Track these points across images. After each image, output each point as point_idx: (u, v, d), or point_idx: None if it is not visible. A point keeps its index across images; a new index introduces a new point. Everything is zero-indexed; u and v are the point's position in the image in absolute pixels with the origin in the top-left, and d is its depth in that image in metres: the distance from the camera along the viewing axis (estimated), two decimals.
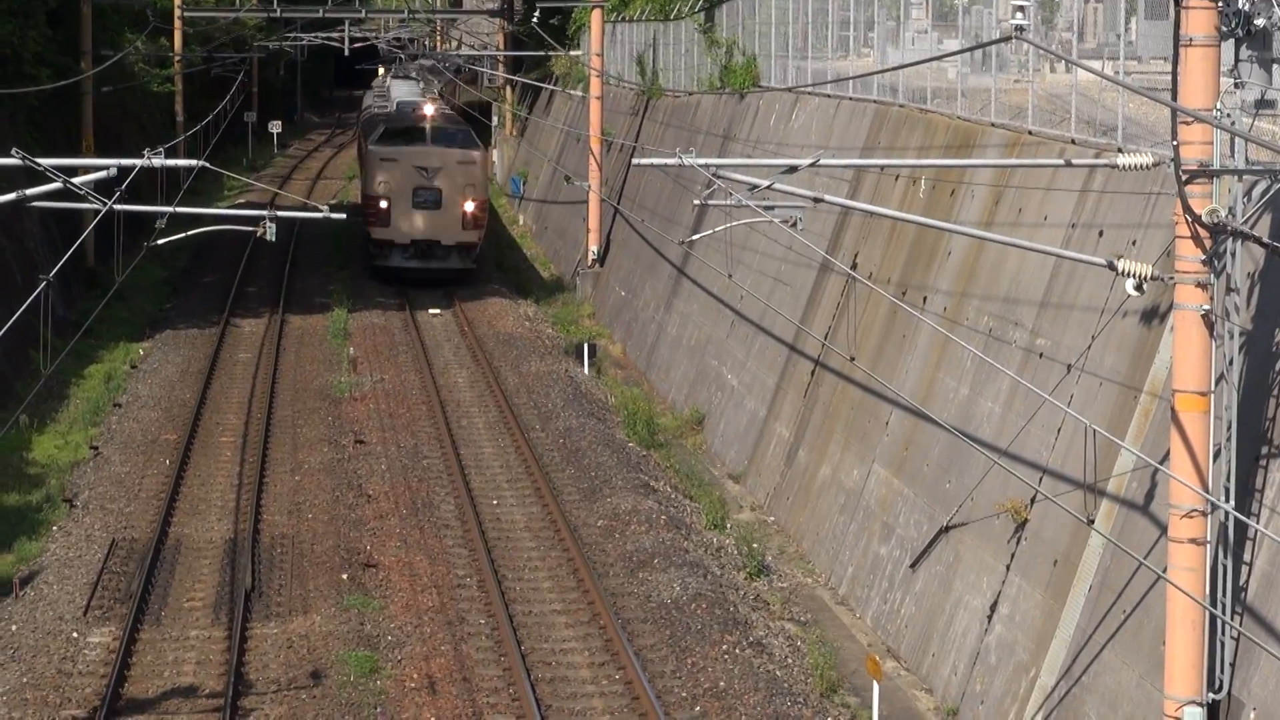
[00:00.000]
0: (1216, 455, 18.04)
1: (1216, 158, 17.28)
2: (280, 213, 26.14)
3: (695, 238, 37.97)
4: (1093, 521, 21.28)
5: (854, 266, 31.92)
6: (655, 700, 23.25)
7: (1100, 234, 23.35)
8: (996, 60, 28.72)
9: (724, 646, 25.26)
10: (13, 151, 21.56)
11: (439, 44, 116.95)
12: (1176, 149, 17.11)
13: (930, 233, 28.83)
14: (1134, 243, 22.27)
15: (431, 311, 52.48)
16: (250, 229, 26.38)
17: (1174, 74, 17.17)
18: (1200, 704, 17.71)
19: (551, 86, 74.02)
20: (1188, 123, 17.09)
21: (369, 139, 59.74)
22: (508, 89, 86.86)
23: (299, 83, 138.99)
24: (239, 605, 26.87)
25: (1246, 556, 18.42)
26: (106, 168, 22.88)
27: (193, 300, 54.69)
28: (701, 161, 23.92)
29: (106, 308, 44.32)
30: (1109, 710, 20.21)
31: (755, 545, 30.44)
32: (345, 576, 28.52)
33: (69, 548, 29.94)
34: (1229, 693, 18.05)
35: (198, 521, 31.70)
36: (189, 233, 30.41)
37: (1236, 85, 17.93)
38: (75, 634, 25.92)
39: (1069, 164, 22.79)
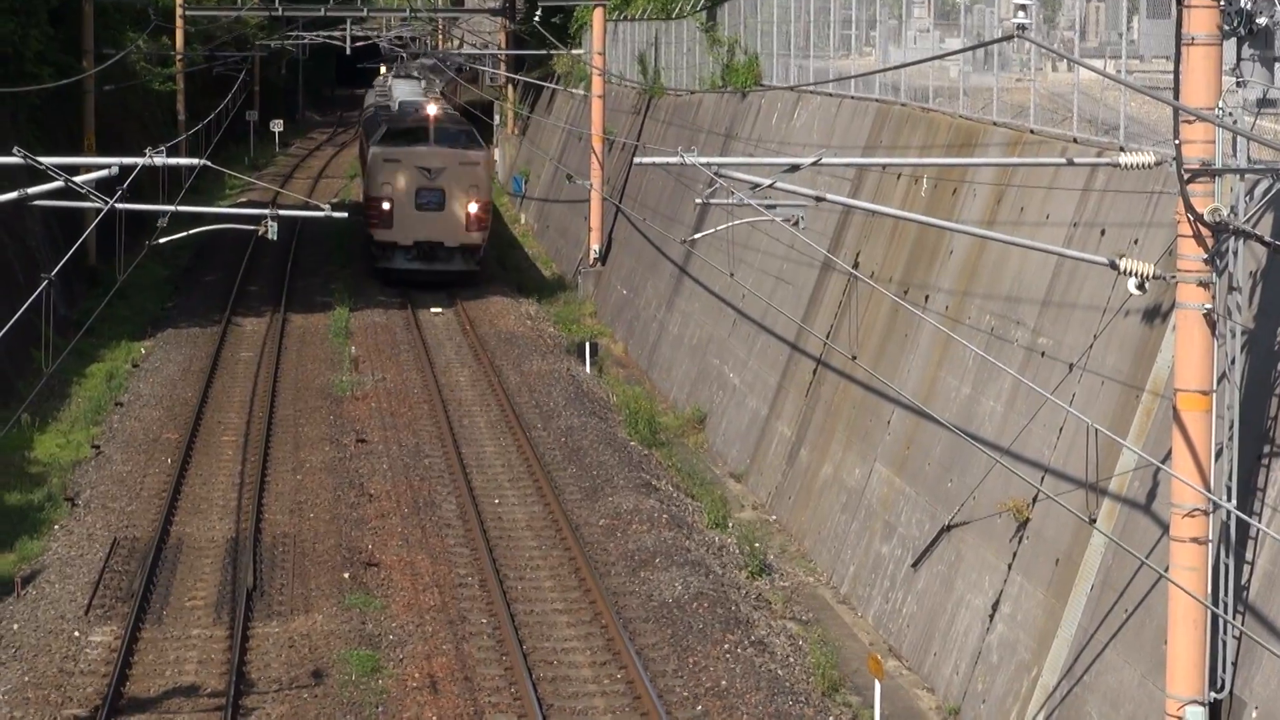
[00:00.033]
0: (1218, 454, 18.03)
1: (1219, 156, 17.28)
2: (282, 212, 26.14)
3: (697, 237, 37.96)
4: (1094, 521, 21.27)
5: (856, 266, 31.91)
6: (657, 699, 23.25)
7: (1102, 233, 23.34)
8: (998, 59, 28.71)
9: (726, 646, 25.25)
10: (14, 150, 21.56)
11: (440, 43, 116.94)
12: (1178, 148, 17.10)
13: (932, 232, 28.82)
14: (1136, 242, 22.27)
15: (433, 310, 52.48)
16: (252, 228, 26.39)
17: (1176, 73, 17.16)
18: (1202, 703, 17.70)
19: (553, 85, 74.01)
20: (1190, 121, 17.08)
21: (371, 139, 59.27)
22: (509, 88, 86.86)
23: (300, 81, 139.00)
24: (240, 604, 26.87)
25: (1248, 556, 18.41)
26: (108, 166, 22.88)
27: (194, 299, 54.69)
28: (703, 160, 23.91)
29: (108, 306, 44.32)
30: (1111, 709, 20.20)
31: (757, 544, 30.43)
32: (347, 575, 28.52)
33: (71, 547, 29.95)
34: (1231, 692, 18.05)
35: (199, 520, 31.70)
36: (191, 231, 30.41)
37: (1238, 84, 17.92)
38: (77, 633, 25.92)
39: (1071, 163, 22.78)
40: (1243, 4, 17.24)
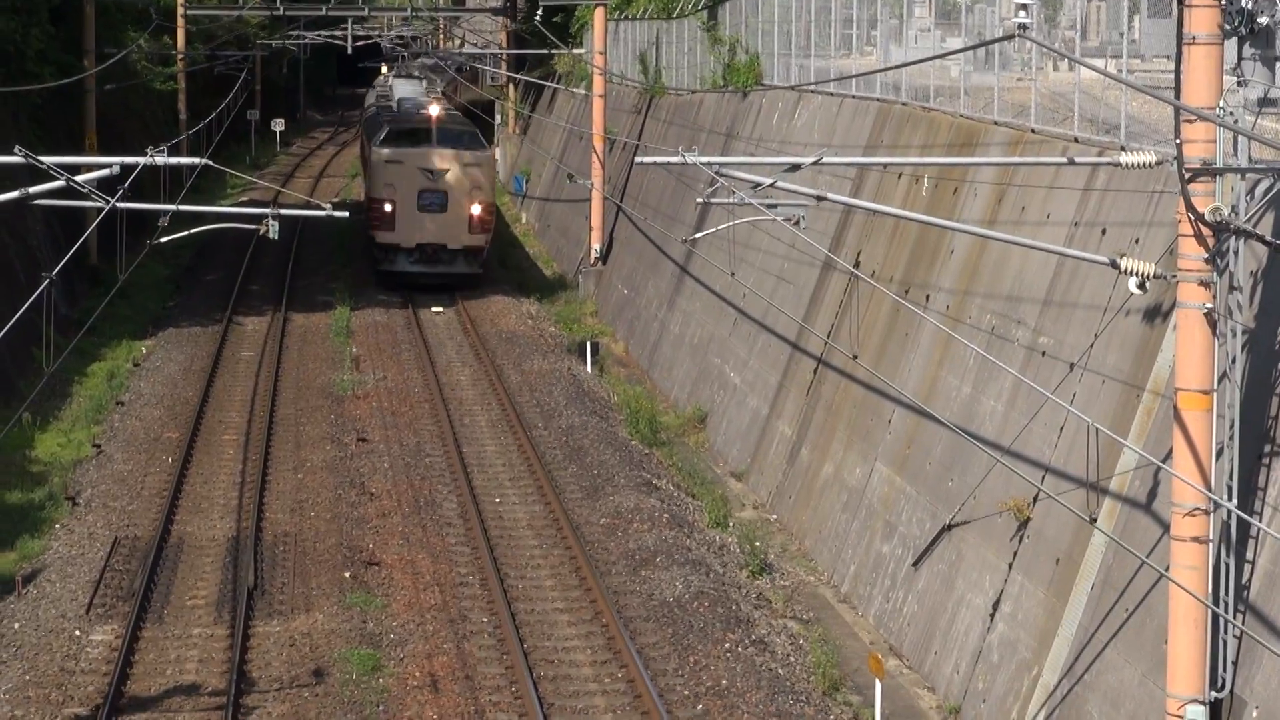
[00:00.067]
0: (1219, 453, 18.04)
1: (1219, 156, 17.28)
2: (283, 211, 26.15)
3: (698, 236, 37.96)
4: (1095, 520, 21.28)
5: (857, 265, 31.92)
6: (657, 698, 23.25)
7: (1103, 232, 23.34)
8: (999, 58, 28.70)
9: (726, 645, 25.26)
10: (16, 149, 21.57)
11: (442, 42, 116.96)
12: (1179, 147, 17.11)
13: (933, 231, 28.82)
14: (1137, 241, 22.27)
15: (434, 309, 52.48)
16: (253, 227, 26.39)
17: (1177, 72, 17.16)
18: (1202, 702, 17.71)
19: (554, 85, 74.00)
20: (1191, 121, 17.09)
21: (373, 140, 58.69)
22: (510, 87, 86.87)
23: (302, 81, 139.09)
24: (241, 603, 26.88)
25: (1249, 555, 18.41)
26: (109, 166, 22.88)
27: (195, 298, 54.70)
28: (704, 160, 23.90)
29: (109, 306, 44.33)
30: (1111, 708, 20.20)
31: (757, 543, 30.44)
32: (348, 574, 28.52)
33: (71, 546, 29.95)
34: (1231, 691, 18.05)
35: (200, 519, 31.70)
36: (192, 231, 30.40)
37: (1239, 83, 17.93)
38: (78, 632, 25.93)
39: (1072, 162, 22.78)
40: (1244, 3, 17.25)
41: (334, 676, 24.33)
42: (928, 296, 28.60)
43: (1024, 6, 17.29)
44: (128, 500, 32.64)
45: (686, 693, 23.82)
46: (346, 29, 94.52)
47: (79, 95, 57.69)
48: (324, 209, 26.71)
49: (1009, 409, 24.82)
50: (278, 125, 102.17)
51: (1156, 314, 21.44)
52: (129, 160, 23.27)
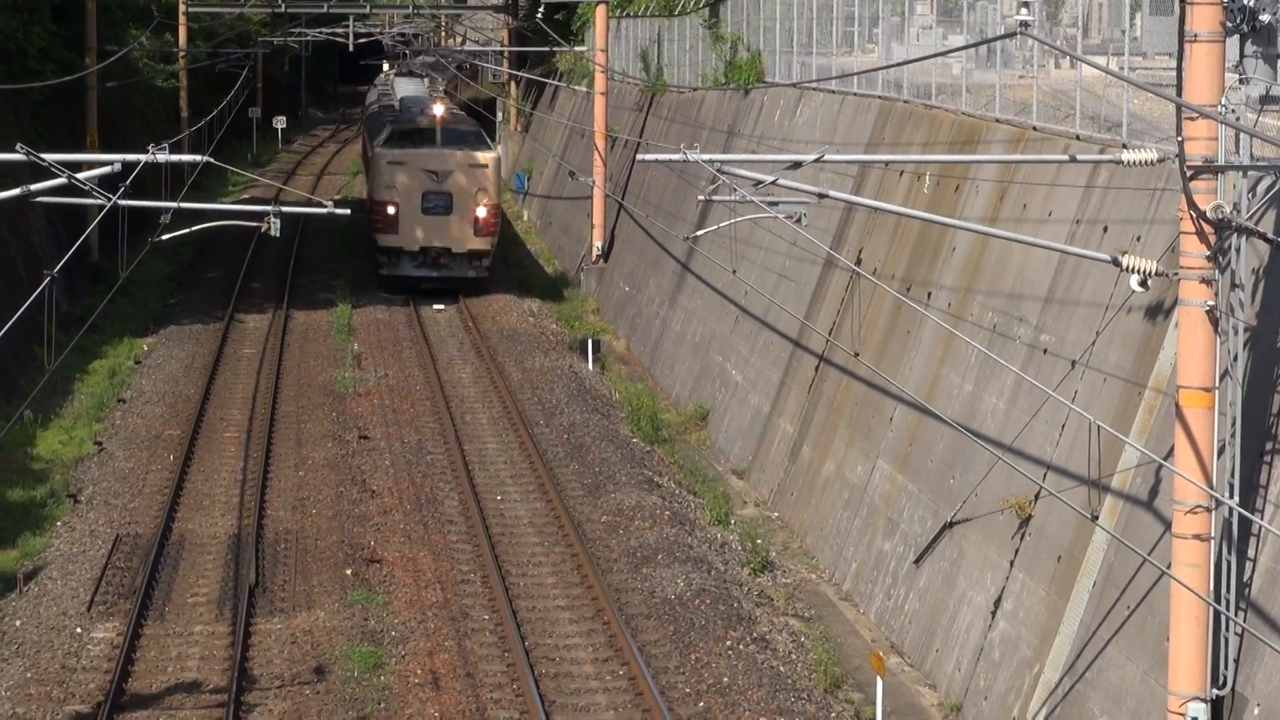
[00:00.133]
0: (1221, 451, 18.03)
1: (1221, 153, 17.28)
2: (285, 208, 26.14)
3: (700, 233, 37.95)
4: (1097, 517, 21.27)
5: (858, 262, 31.91)
6: (659, 696, 23.25)
7: (1105, 230, 23.34)
8: (1001, 56, 28.69)
9: (728, 642, 25.26)
10: (17, 147, 21.57)
11: (443, 39, 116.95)
12: (1181, 145, 17.10)
13: (934, 229, 28.82)
14: (1138, 239, 22.26)
15: (435, 307, 52.47)
16: (255, 224, 26.40)
17: (1179, 70, 17.16)
18: (1204, 700, 17.70)
19: (555, 82, 73.98)
20: (1192, 118, 17.08)
21: (375, 140, 57.61)
22: (512, 84, 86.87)
23: (303, 78, 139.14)
24: (243, 601, 26.88)
25: (1251, 552, 18.41)
26: (111, 163, 22.88)
27: (197, 296, 54.70)
28: (706, 157, 23.90)
29: (111, 303, 44.34)
30: (1113, 706, 20.20)
31: (759, 541, 30.44)
32: (349, 572, 28.53)
33: (73, 543, 29.96)
34: (1233, 689, 18.05)
35: (201, 517, 31.71)
36: (193, 228, 30.43)
37: (1241, 81, 17.93)
38: (79, 629, 25.93)
39: (1074, 159, 22.79)
40: (1245, 1, 17.24)
41: (335, 674, 24.33)
42: (929, 294, 28.60)
43: (1026, 4, 17.29)
44: (129, 498, 32.65)
45: (688, 690, 23.82)
46: (348, 26, 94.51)
47: (80, 93, 57.71)
48: (326, 206, 26.71)
49: (1010, 406, 24.81)
50: (279, 123, 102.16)
51: (1158, 311, 21.44)
52: (130, 158, 23.27)
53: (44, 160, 21.91)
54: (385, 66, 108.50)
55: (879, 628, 26.93)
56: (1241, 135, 17.57)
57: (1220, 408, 17.82)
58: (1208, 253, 17.38)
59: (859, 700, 24.03)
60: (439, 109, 57.16)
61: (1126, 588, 20.59)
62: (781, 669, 24.51)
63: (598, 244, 55.19)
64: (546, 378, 42.29)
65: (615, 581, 28.01)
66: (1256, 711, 17.69)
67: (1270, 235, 18.23)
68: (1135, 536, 20.46)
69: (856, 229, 33.11)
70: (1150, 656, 19.63)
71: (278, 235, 26.04)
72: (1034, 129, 26.52)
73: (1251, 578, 18.36)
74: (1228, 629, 18.01)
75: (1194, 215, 17.30)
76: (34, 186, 22.64)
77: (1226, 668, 18.04)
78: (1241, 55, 17.82)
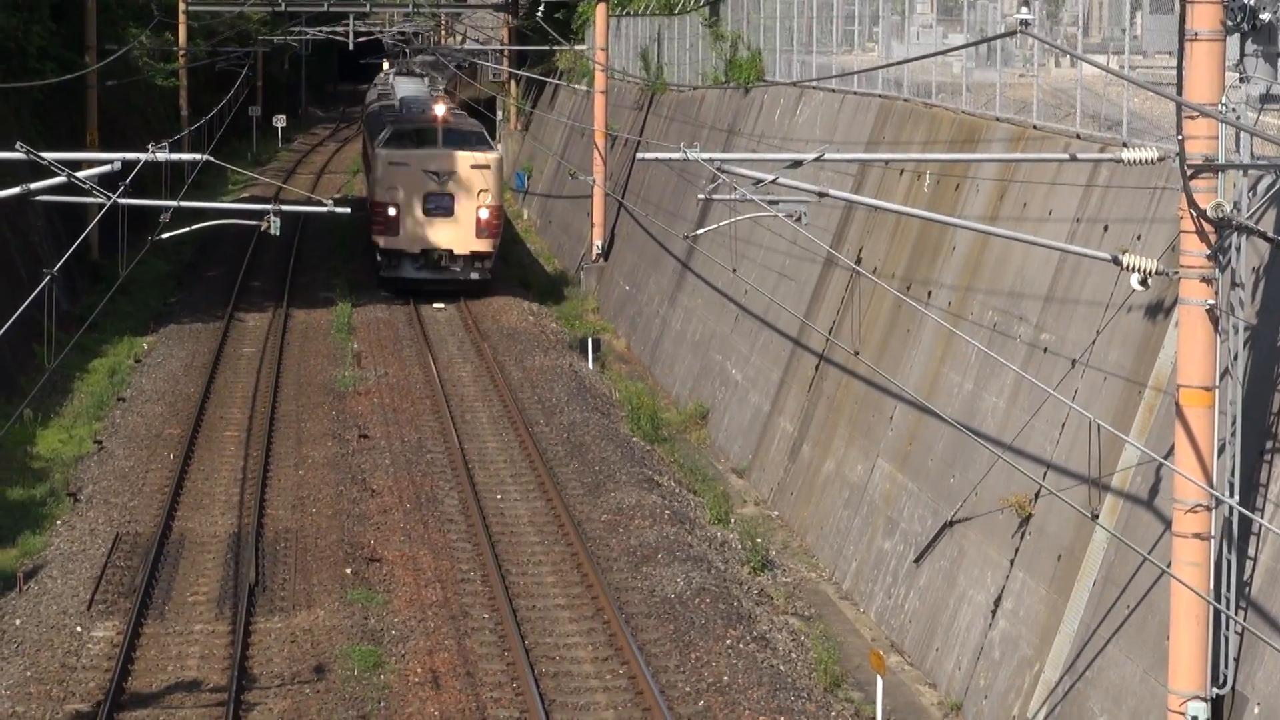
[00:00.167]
0: (1221, 450, 18.03)
1: (1221, 152, 17.27)
2: (285, 207, 26.13)
3: (699, 232, 37.95)
4: (1097, 516, 21.26)
5: (858, 261, 31.91)
6: (659, 695, 23.25)
7: (1105, 229, 23.33)
8: (1001, 55, 28.69)
9: (728, 641, 25.25)
10: (17, 145, 21.56)
11: (443, 38, 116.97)
12: (1181, 144, 17.09)
13: (935, 227, 28.81)
14: (1139, 237, 22.26)
15: (435, 306, 52.43)
16: (255, 223, 26.38)
17: (1179, 68, 17.15)
18: (1204, 699, 17.70)
19: (555, 81, 73.97)
20: (1193, 117, 17.08)
21: (375, 140, 56.92)
22: (512, 83, 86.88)
23: (303, 77, 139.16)
24: (242, 600, 26.88)
25: (1251, 551, 18.41)
26: (111, 162, 22.87)
27: (197, 294, 54.69)
28: (706, 156, 23.89)
29: (110, 302, 44.32)
30: (1113, 705, 20.20)
31: (759, 540, 30.43)
32: (349, 571, 28.52)
33: (73, 542, 29.95)
34: (1233, 688, 18.04)
35: (201, 516, 31.70)
36: (193, 227, 30.42)
37: (1242, 80, 17.92)
38: (79, 628, 25.92)
39: (1074, 158, 22.79)
40: (1246, 0, 17.24)
41: (335, 673, 24.32)
42: (929, 293, 28.59)
43: (1026, 3, 17.30)
44: (129, 496, 32.64)
45: (688, 689, 23.82)
46: (348, 25, 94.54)
47: (80, 91, 57.70)
48: (326, 205, 26.71)
49: (1011, 405, 24.81)
50: (279, 121, 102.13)
51: (1158, 310, 21.43)
52: (130, 156, 23.24)
53: (44, 159, 21.90)
54: (385, 65, 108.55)
55: (879, 626, 26.92)
56: (1242, 134, 17.56)
57: (1220, 406, 17.82)
58: (1208, 251, 17.37)
59: (859, 699, 24.02)
60: (440, 109, 56.36)
61: (1127, 587, 20.59)
62: (781, 668, 24.51)
63: (598, 243, 55.15)
64: (546, 376, 42.28)
65: (615, 580, 28.00)
66: (1257, 710, 17.68)
67: (1270, 234, 18.23)
68: (1135, 535, 20.45)
69: (856, 228, 33.11)
70: (1150, 655, 19.63)
71: (278, 234, 26.01)
72: (1034, 128, 26.51)
73: (1252, 577, 18.35)
74: (1228, 628, 18.01)
75: (1194, 214, 17.29)
76: (34, 185, 22.63)
77: (1227, 667, 18.03)
78: (1242, 54, 17.81)
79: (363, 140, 75.10)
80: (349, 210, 27.91)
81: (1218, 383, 17.66)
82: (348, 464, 34.81)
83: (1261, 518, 18.28)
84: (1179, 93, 17.12)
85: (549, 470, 34.07)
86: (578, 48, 69.61)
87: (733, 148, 42.92)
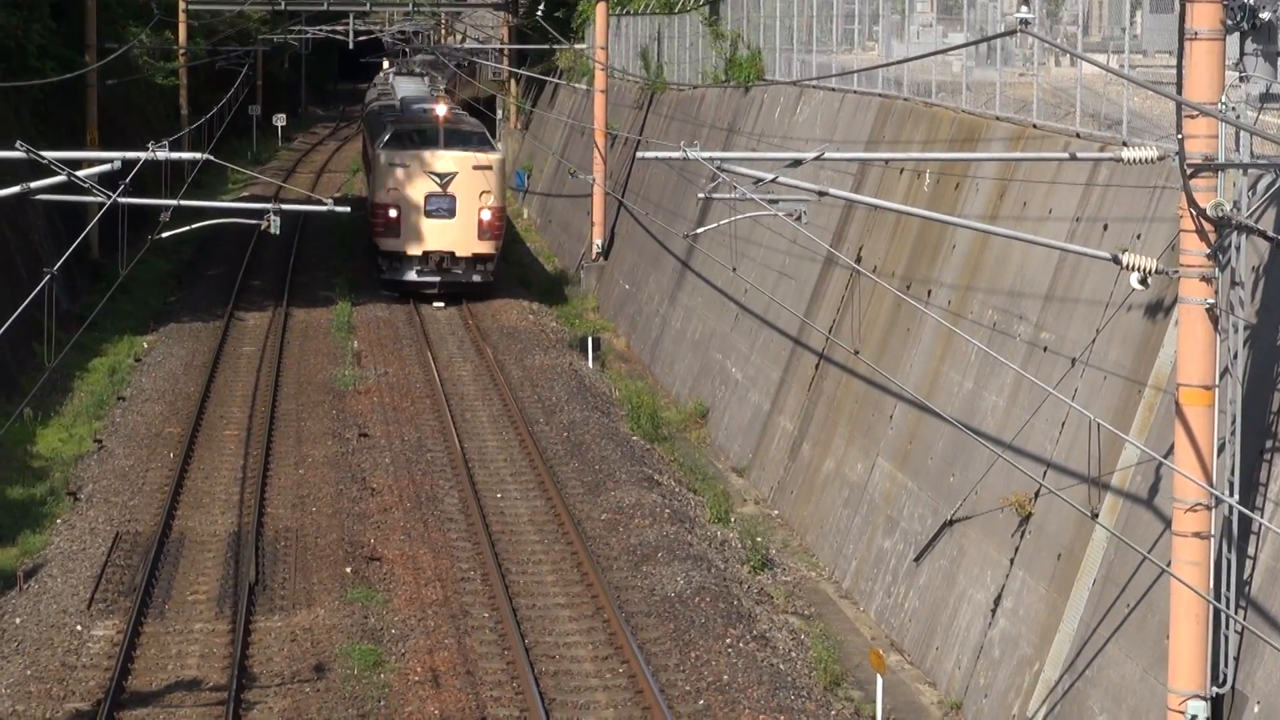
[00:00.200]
0: (1221, 449, 18.03)
1: (1221, 152, 17.27)
2: (285, 206, 26.13)
3: (699, 231, 37.94)
4: (1097, 515, 21.26)
5: (858, 260, 31.91)
6: (659, 694, 23.25)
7: (1105, 228, 23.33)
8: (1001, 54, 28.69)
9: (728, 640, 25.25)
10: (17, 144, 21.55)
11: (443, 37, 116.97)
12: (1181, 143, 17.10)
13: (935, 227, 28.81)
14: (1139, 236, 22.26)
15: (435, 305, 52.42)
16: (255, 222, 26.39)
17: (1179, 68, 17.15)
18: (1204, 698, 17.71)
19: (555, 80, 73.95)
20: (1193, 116, 17.08)
21: (376, 141, 56.28)
22: (512, 82, 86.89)
23: (303, 76, 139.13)
24: (242, 598, 26.88)
25: (1250, 550, 18.41)
26: (111, 161, 22.86)
27: (197, 293, 54.68)
28: (706, 155, 23.88)
29: (110, 301, 44.31)
30: (1113, 704, 20.20)
31: (759, 539, 30.43)
32: (349, 570, 28.52)
33: (73, 541, 29.95)
34: (1233, 687, 18.04)
35: (201, 515, 31.70)
36: (193, 226, 30.41)
37: (1242, 79, 17.92)
38: (79, 627, 25.93)
39: (1074, 157, 22.78)
40: None
41: (335, 672, 24.33)
42: (929, 292, 28.59)
43: (1026, 2, 17.29)
44: (129, 495, 32.64)
45: (688, 688, 23.82)
46: (348, 24, 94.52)
47: (80, 90, 57.69)
48: (326, 204, 26.72)
49: (1010, 404, 24.81)
50: (279, 120, 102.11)
51: (1158, 309, 21.43)
52: (130, 155, 23.24)
53: (44, 158, 21.90)
54: (385, 64, 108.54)
55: (879, 625, 26.92)
56: (1241, 133, 17.57)
57: (1220, 406, 17.82)
58: (1208, 251, 17.37)
59: (859, 698, 24.03)
60: (441, 109, 55.80)
61: (1126, 586, 20.59)
62: (781, 667, 24.51)
63: (598, 242, 55.14)
64: (546, 375, 42.29)
65: (615, 579, 28.00)
66: (1256, 709, 17.69)
67: (1270, 233, 18.23)
68: (1135, 534, 20.46)
69: (856, 227, 33.11)
70: (1150, 654, 19.63)
71: (278, 233, 26.02)
72: (1034, 127, 26.51)
73: (1251, 575, 18.36)
74: (1228, 627, 18.01)
75: (1194, 213, 17.29)
76: (34, 184, 22.63)
77: (1226, 666, 18.03)
78: (1242, 53, 17.81)
79: (362, 140, 74.84)
80: (349, 209, 27.92)
81: (1217, 382, 17.66)
82: (348, 463, 34.81)
83: (1261, 517, 18.28)
84: (1179, 92, 17.12)
85: (549, 469, 34.07)
86: (578, 46, 69.60)
87: (732, 147, 42.92)
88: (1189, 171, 17.11)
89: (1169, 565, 17.87)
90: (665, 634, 25.69)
